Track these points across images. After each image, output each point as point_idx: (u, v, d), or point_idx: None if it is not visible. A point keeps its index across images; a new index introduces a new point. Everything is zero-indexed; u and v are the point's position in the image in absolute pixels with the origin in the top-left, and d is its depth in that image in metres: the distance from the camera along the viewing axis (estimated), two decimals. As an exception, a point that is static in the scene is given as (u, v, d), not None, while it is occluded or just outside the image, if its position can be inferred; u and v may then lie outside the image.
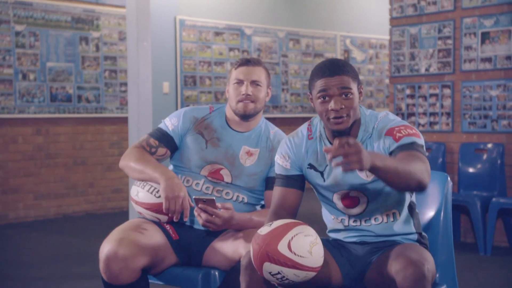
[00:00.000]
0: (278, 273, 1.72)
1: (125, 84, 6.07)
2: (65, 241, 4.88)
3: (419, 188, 1.79)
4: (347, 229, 2.06)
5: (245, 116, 2.35)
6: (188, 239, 2.30)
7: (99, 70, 6.05)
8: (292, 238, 1.72)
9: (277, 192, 2.05)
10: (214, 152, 2.35)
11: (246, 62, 2.35)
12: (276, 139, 2.39)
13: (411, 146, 1.87)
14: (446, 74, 4.80)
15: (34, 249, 4.58)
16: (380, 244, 2.01)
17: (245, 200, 2.36)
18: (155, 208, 2.26)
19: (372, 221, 2.02)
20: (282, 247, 1.71)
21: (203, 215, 2.16)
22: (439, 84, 4.83)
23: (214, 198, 2.17)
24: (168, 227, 2.31)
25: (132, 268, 2.12)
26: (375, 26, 8.01)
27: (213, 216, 2.16)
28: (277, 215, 2.00)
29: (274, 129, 2.43)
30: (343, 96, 1.91)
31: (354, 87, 1.92)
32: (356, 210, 2.01)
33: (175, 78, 6.55)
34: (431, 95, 4.87)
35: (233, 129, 2.39)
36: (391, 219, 2.01)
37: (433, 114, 4.86)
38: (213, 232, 2.30)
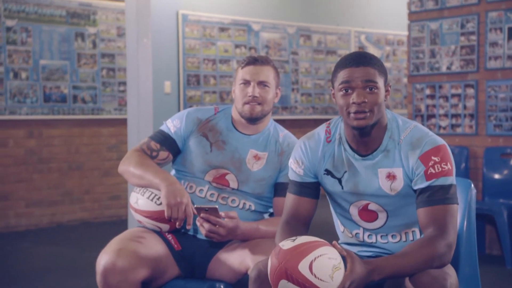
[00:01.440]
0: None
1: (124, 83, 6.09)
2: (59, 252, 4.89)
3: (440, 266, 1.81)
4: (361, 244, 2.05)
5: (252, 119, 2.36)
6: (191, 250, 2.30)
7: (96, 69, 6.08)
8: (315, 259, 1.70)
9: (289, 199, 2.04)
10: (219, 155, 2.36)
11: (253, 61, 2.35)
12: (286, 142, 2.39)
13: (439, 195, 1.85)
14: (469, 73, 4.79)
15: (25, 260, 4.60)
16: None
17: (252, 208, 2.36)
18: (156, 216, 2.26)
19: (389, 238, 2.01)
20: (303, 267, 1.68)
21: (206, 225, 2.16)
22: (462, 84, 4.81)
23: (217, 206, 2.17)
24: (169, 236, 2.31)
25: (131, 281, 2.13)
26: (392, 21, 8.00)
27: (217, 226, 2.16)
28: (289, 225, 1.99)
29: (283, 132, 2.44)
30: (367, 89, 1.87)
31: (380, 81, 1.89)
32: (373, 225, 2.01)
33: (177, 77, 6.57)
34: (453, 96, 4.86)
35: (239, 132, 2.40)
36: (410, 237, 2.00)
37: (455, 116, 4.84)
38: (218, 243, 2.30)
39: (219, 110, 2.45)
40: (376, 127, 1.92)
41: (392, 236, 2.00)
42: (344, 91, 1.89)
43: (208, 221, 2.16)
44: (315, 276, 1.69)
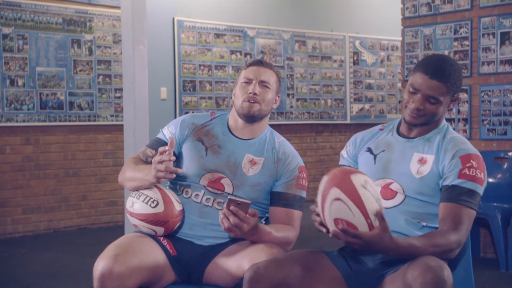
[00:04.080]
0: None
1: (120, 89, 6.09)
2: (56, 258, 4.88)
3: (445, 259, 1.91)
4: None
5: (249, 117, 2.36)
6: (188, 255, 2.30)
7: (92, 75, 6.08)
8: (369, 182, 1.85)
9: None
10: (214, 160, 2.36)
11: (258, 63, 2.41)
12: (282, 150, 2.40)
13: (464, 196, 1.96)
14: (463, 78, 4.80)
15: (23, 266, 4.59)
16: (393, 257, 2.02)
17: (248, 213, 2.36)
18: (151, 219, 2.27)
19: (395, 225, 2.06)
20: (356, 179, 1.83)
21: (232, 218, 2.11)
22: (456, 88, 4.83)
23: (250, 202, 2.15)
24: (165, 242, 2.31)
25: (128, 287, 2.12)
26: (387, 26, 8.03)
27: (241, 222, 2.13)
28: None
29: (279, 139, 2.45)
30: (429, 101, 2.07)
31: (445, 98, 2.07)
32: (388, 203, 2.09)
33: (173, 83, 6.57)
34: (447, 100, 4.87)
35: (235, 136, 2.41)
36: (416, 227, 2.07)
37: (449, 120, 4.86)
38: (215, 247, 2.31)
39: (216, 116, 2.46)
40: (428, 125, 2.11)
41: (399, 224, 2.09)
42: (412, 89, 2.08)
43: (235, 215, 2.12)
44: (366, 190, 1.81)
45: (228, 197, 2.15)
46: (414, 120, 2.09)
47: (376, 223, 1.80)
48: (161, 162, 2.19)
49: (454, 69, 2.07)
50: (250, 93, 2.34)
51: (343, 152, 2.29)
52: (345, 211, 1.79)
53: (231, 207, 2.12)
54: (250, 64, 2.41)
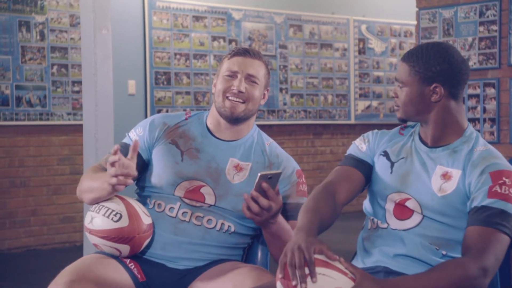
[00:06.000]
0: None
1: (79, 82, 6.08)
2: (-1, 285, 4.85)
3: None
4: (379, 235, 2.14)
5: (232, 119, 2.39)
6: (159, 281, 2.30)
7: (45, 65, 6.05)
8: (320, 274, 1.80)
9: (338, 168, 2.23)
10: (192, 165, 2.37)
11: (244, 52, 2.42)
12: (275, 153, 2.43)
13: (496, 218, 1.96)
14: (489, 70, 4.83)
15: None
16: None
17: (232, 229, 2.37)
18: (114, 235, 2.26)
19: (410, 248, 2.08)
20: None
21: (262, 200, 2.12)
22: (481, 82, 4.85)
23: (280, 171, 2.16)
24: (132, 265, 2.32)
25: (86, 321, 2.12)
26: (399, 8, 8.07)
27: (270, 202, 2.13)
28: (328, 187, 2.13)
29: (269, 141, 2.48)
30: (399, 86, 2.19)
31: (411, 78, 2.14)
32: (401, 224, 2.10)
33: (143, 75, 6.56)
34: (470, 96, 4.90)
35: (217, 138, 2.42)
36: (433, 256, 2.07)
37: (472, 120, 4.88)
38: (192, 272, 2.31)
39: (191, 115, 2.48)
40: (448, 131, 2.13)
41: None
42: None
43: (265, 195, 2.12)
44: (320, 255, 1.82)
45: (260, 173, 2.12)
46: (397, 114, 2.19)
47: (350, 274, 1.82)
48: (112, 164, 2.18)
49: (432, 53, 2.09)
50: (235, 90, 2.36)
51: (361, 144, 2.25)
52: (326, 281, 1.80)
53: (263, 185, 2.11)
54: (235, 54, 2.42)
